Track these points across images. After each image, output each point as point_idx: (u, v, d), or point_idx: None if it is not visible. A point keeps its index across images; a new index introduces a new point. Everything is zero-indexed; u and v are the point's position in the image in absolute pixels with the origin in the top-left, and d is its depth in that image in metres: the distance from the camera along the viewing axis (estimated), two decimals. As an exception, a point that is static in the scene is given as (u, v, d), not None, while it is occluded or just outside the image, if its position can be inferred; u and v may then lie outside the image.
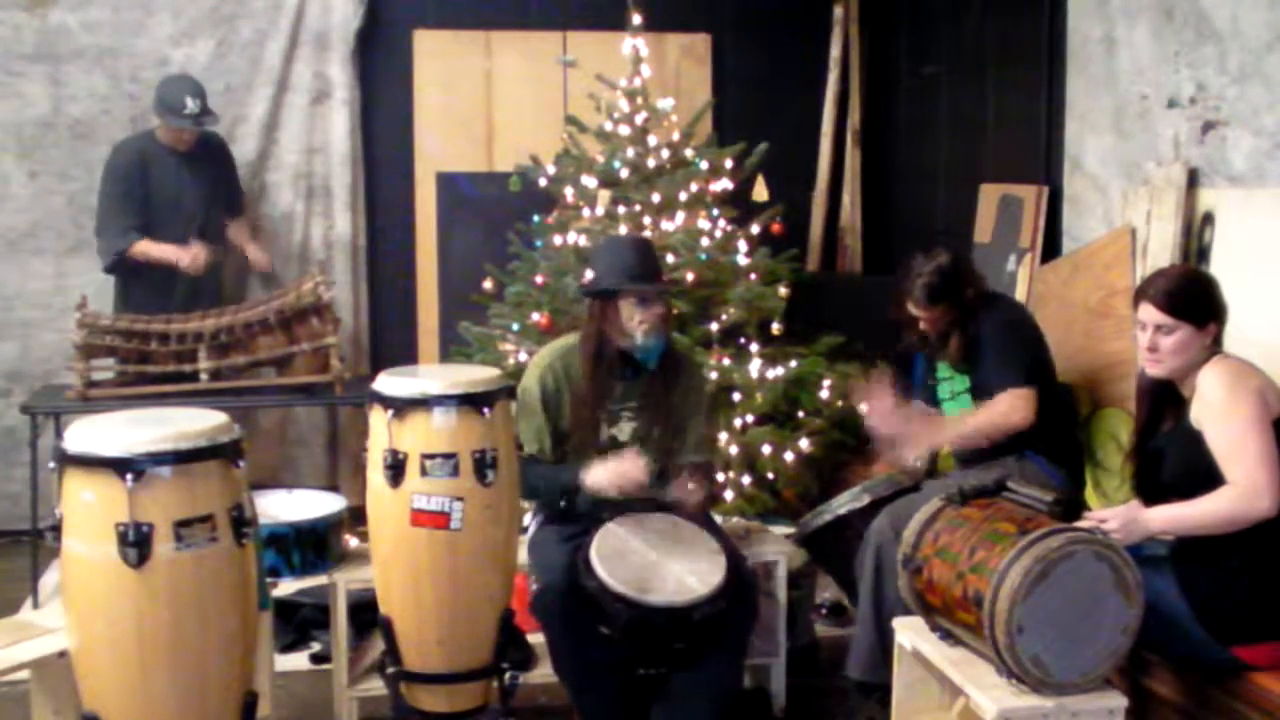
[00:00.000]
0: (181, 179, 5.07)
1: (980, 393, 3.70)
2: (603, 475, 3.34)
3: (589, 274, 3.62)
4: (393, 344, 5.88)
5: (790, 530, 4.51)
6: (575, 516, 3.42)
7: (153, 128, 5.11)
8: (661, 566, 3.18)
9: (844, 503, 3.71)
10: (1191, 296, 2.95)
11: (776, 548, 3.87)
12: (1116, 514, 2.90)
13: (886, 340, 5.46)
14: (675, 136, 5.16)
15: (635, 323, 3.42)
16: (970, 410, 3.72)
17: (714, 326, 4.77)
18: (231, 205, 5.34)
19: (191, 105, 4.94)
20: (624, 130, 5.12)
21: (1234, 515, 2.81)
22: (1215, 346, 2.97)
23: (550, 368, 3.50)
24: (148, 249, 4.98)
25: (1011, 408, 3.58)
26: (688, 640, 3.16)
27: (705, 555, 3.25)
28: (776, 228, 5.14)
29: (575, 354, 3.52)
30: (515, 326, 4.94)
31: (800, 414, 4.83)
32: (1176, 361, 2.95)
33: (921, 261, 3.69)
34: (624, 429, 3.51)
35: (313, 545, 3.67)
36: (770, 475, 4.67)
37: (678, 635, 3.14)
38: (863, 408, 3.83)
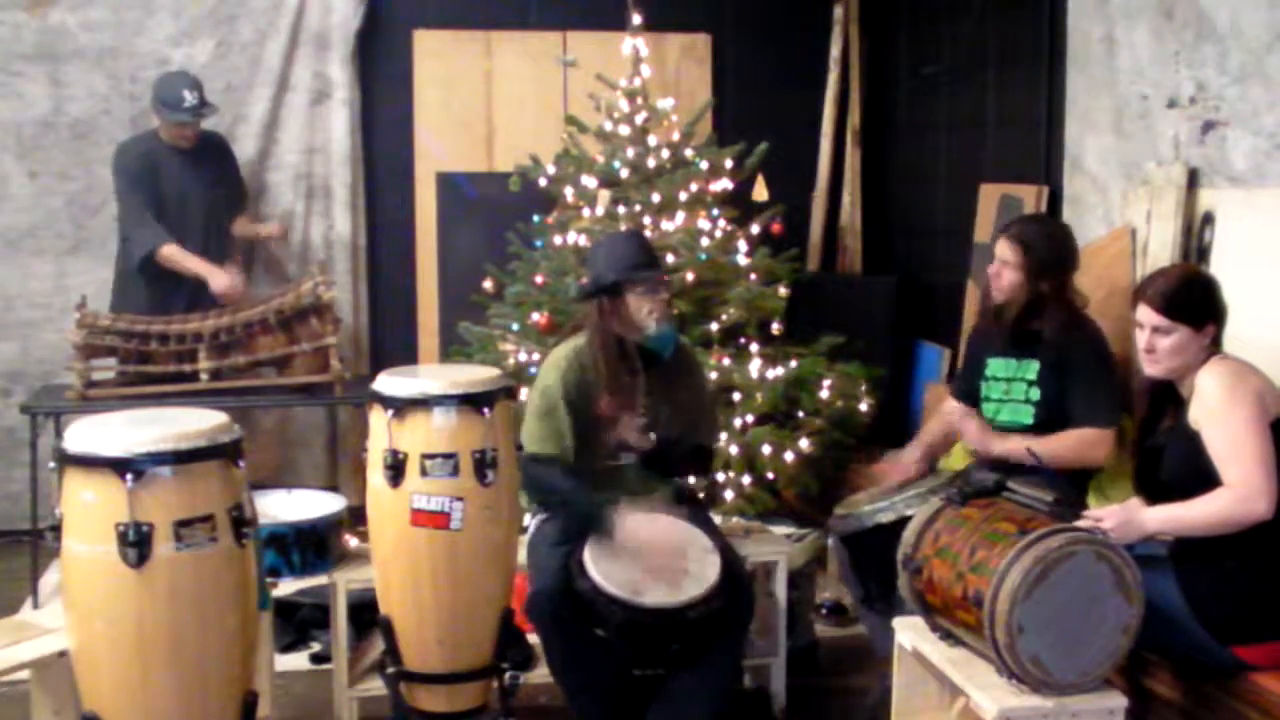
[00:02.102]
0: (185, 178, 5.07)
1: (1050, 412, 3.55)
2: (636, 525, 3.25)
3: (585, 276, 3.62)
4: (393, 344, 5.88)
5: (791, 530, 4.52)
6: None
7: (154, 128, 5.10)
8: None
9: (910, 503, 3.36)
10: (1189, 298, 2.94)
11: (776, 548, 3.87)
12: (1113, 513, 2.90)
13: (886, 340, 5.50)
14: (675, 136, 5.16)
15: (645, 313, 3.40)
16: (1025, 424, 3.60)
17: (714, 326, 4.77)
18: (235, 202, 5.34)
19: (190, 98, 4.94)
20: (624, 130, 5.13)
21: (1230, 517, 2.81)
22: (1214, 347, 2.97)
23: (571, 367, 3.43)
24: (181, 258, 4.95)
25: (1094, 445, 3.48)
26: (683, 641, 3.15)
27: (699, 555, 3.24)
28: (776, 228, 5.14)
29: (585, 354, 3.47)
30: (515, 326, 4.94)
31: (800, 414, 4.82)
32: (1174, 362, 2.95)
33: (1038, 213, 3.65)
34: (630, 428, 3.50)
35: (313, 545, 3.67)
36: (770, 475, 4.66)
37: (673, 636, 3.13)
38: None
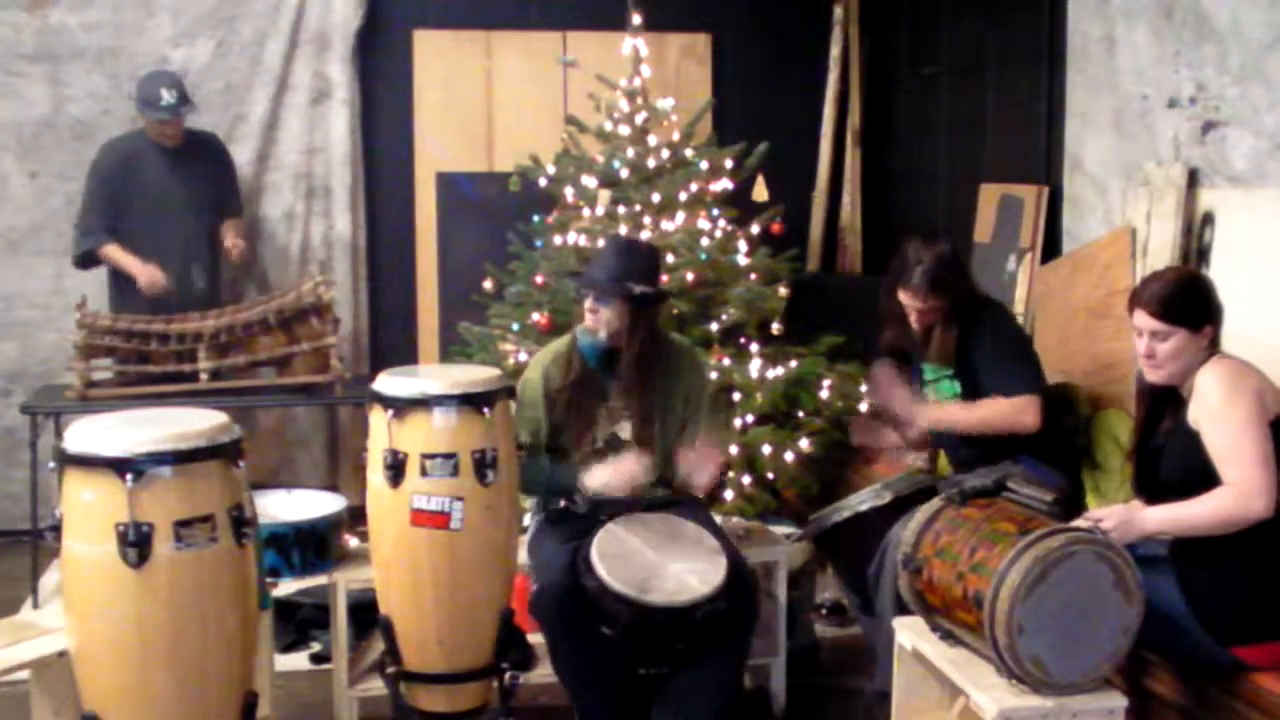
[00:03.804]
0: (171, 177, 5.06)
1: (979, 390, 3.67)
2: (604, 475, 3.36)
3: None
4: (393, 344, 5.88)
5: (791, 530, 4.51)
6: (574, 517, 3.42)
7: (143, 126, 5.11)
8: (662, 566, 3.18)
9: (864, 500, 3.61)
10: (1184, 301, 2.94)
11: (776, 548, 3.87)
12: (1113, 513, 2.90)
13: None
14: (675, 136, 5.16)
15: (584, 317, 3.50)
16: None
17: (714, 326, 4.77)
18: (225, 205, 5.29)
19: (167, 97, 4.93)
20: (624, 130, 5.13)
21: (1229, 516, 2.81)
22: (1213, 348, 2.97)
23: (554, 362, 3.54)
24: (116, 255, 4.97)
25: (1024, 409, 3.56)
26: (688, 640, 3.15)
27: (706, 555, 3.25)
28: (776, 228, 5.14)
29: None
30: (515, 326, 4.94)
31: (800, 414, 4.82)
32: (1174, 366, 2.95)
33: (920, 248, 3.62)
34: (625, 428, 3.52)
35: (313, 545, 3.67)
36: (770, 475, 4.66)
37: (678, 635, 3.14)
38: (870, 390, 3.85)
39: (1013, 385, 3.59)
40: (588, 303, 3.48)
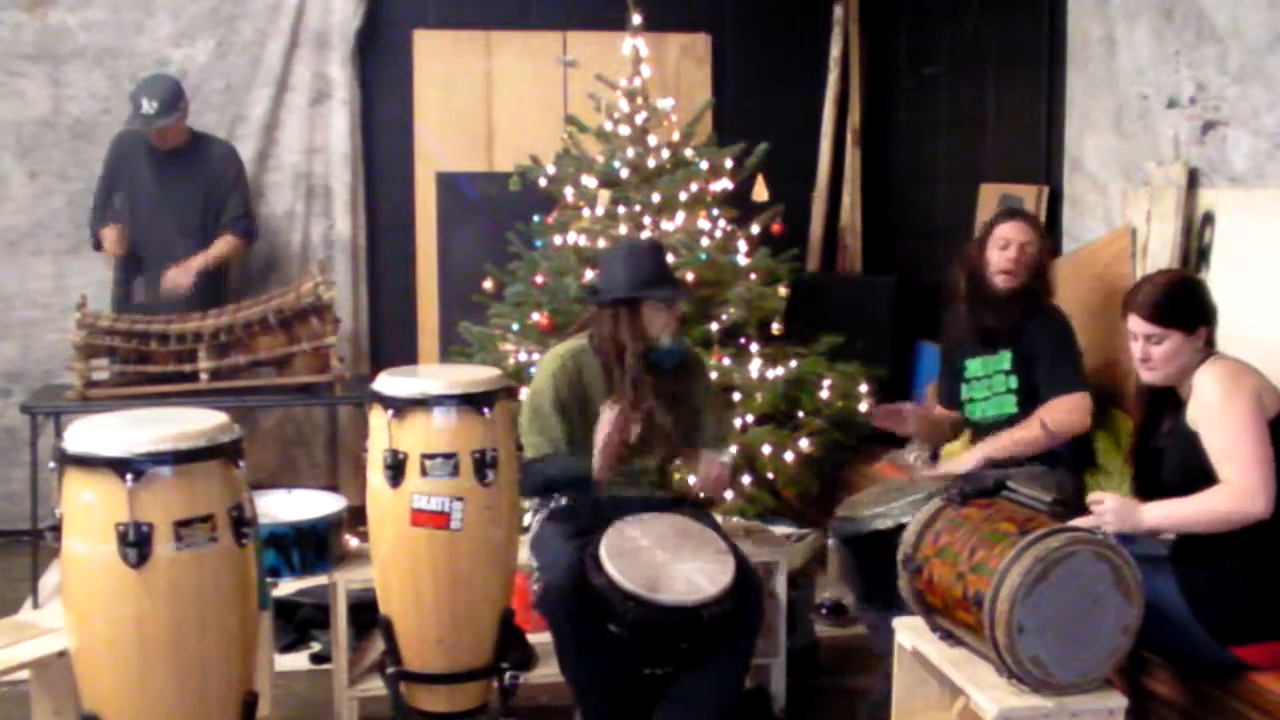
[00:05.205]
0: (159, 177, 5.05)
1: (1032, 394, 3.69)
2: (599, 456, 3.33)
3: (590, 275, 3.63)
4: (393, 344, 5.88)
5: (791, 530, 4.52)
6: (578, 514, 3.42)
7: None
8: (671, 566, 3.18)
9: (907, 511, 3.37)
10: (1177, 303, 2.95)
11: (776, 548, 3.87)
12: (1114, 498, 2.91)
13: (886, 340, 5.50)
14: (675, 136, 5.16)
15: (659, 327, 3.45)
16: (1011, 414, 3.72)
17: (714, 326, 4.77)
18: (220, 216, 5.16)
19: (146, 107, 4.87)
20: (624, 130, 5.12)
21: (1227, 516, 2.82)
22: (1209, 348, 2.97)
23: (562, 369, 3.48)
24: (107, 234, 5.01)
25: (1072, 409, 3.61)
26: (695, 640, 3.15)
27: (714, 556, 3.25)
28: (776, 228, 5.14)
29: (585, 355, 3.52)
30: (515, 326, 4.94)
31: (800, 414, 4.82)
32: (1170, 368, 2.96)
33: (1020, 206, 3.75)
34: (631, 430, 3.50)
35: (313, 545, 3.66)
36: (770, 475, 4.66)
37: (686, 635, 3.13)
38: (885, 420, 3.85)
39: (1065, 385, 3.64)
40: (674, 311, 3.48)
